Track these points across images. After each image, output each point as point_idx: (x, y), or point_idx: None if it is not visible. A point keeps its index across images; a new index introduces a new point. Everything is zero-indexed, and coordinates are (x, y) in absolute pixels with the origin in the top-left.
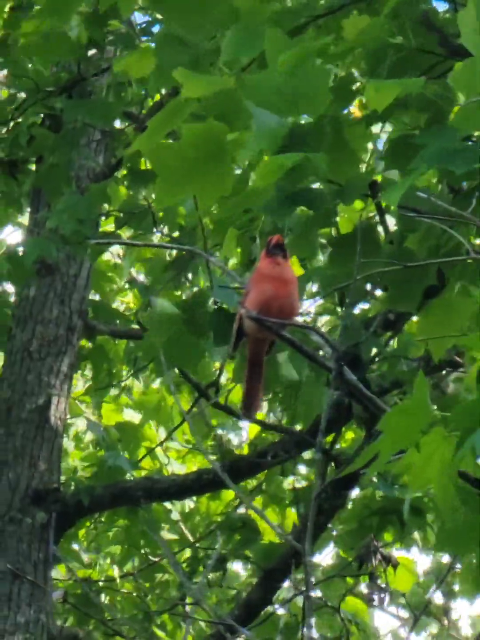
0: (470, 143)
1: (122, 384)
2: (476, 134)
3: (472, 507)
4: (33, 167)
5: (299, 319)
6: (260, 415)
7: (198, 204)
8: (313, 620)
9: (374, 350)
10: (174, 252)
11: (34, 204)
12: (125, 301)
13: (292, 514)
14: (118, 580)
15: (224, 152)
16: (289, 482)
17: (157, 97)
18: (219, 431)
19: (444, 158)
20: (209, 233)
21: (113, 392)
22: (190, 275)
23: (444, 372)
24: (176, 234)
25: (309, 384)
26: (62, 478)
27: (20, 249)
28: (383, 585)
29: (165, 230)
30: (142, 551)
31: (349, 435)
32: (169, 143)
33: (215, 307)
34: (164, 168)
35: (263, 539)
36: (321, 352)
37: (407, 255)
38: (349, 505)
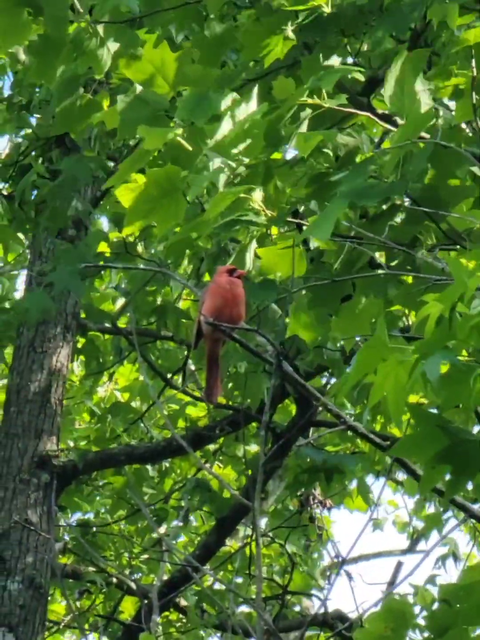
0: (377, 180)
1: (111, 370)
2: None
3: (422, 422)
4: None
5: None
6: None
7: (158, 230)
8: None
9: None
10: None
11: (35, 237)
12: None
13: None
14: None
15: (178, 190)
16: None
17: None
18: None
19: (359, 195)
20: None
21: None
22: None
23: None
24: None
25: (251, 374)
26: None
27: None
28: (320, 525)
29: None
30: (128, 502)
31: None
32: (135, 184)
33: None
34: (131, 203)
35: (217, 495)
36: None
37: (326, 270)
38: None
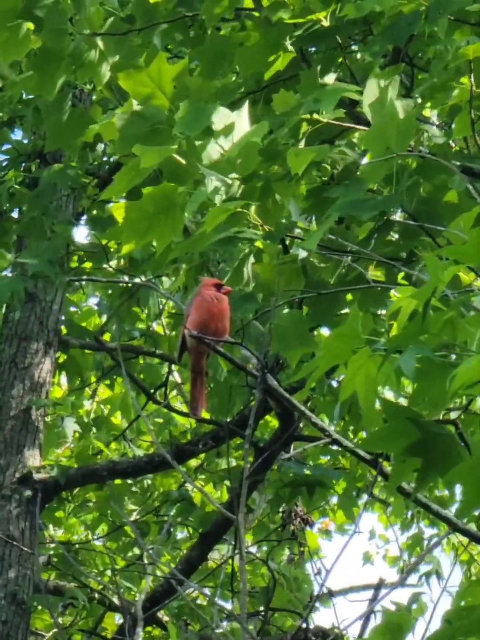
0: (372, 194)
1: (92, 386)
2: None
3: (393, 415)
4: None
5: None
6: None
7: (157, 246)
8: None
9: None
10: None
11: (18, 247)
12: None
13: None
14: (93, 542)
15: (175, 206)
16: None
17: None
18: None
19: (352, 207)
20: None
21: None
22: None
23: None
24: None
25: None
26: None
27: None
28: (302, 542)
29: (113, 263)
30: (109, 519)
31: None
32: (134, 202)
33: None
34: (130, 220)
35: (200, 508)
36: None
37: (322, 284)
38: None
